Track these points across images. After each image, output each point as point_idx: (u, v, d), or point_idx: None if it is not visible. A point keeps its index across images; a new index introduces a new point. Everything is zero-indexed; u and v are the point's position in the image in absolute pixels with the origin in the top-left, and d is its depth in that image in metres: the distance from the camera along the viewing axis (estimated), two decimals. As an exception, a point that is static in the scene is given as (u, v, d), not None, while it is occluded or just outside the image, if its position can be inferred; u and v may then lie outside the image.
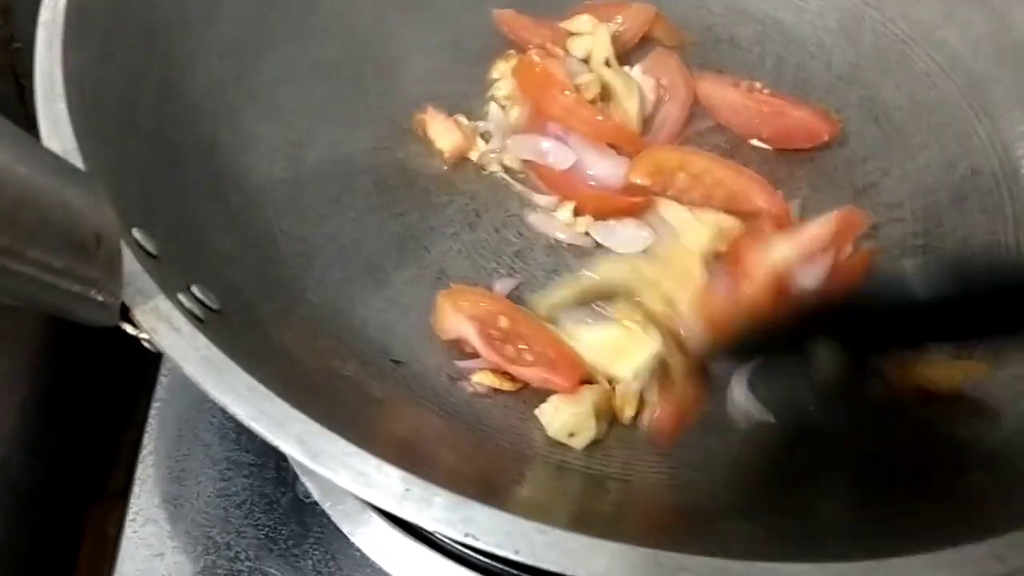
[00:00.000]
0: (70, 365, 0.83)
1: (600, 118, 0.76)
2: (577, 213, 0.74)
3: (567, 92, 0.76)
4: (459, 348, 0.67)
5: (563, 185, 0.75)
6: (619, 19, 0.83)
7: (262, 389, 0.46)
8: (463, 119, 0.78)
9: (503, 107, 0.80)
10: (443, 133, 0.76)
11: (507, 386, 0.64)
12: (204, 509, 0.70)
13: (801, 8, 0.87)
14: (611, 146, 0.76)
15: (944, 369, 0.64)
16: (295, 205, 0.71)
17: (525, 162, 0.76)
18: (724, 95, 0.81)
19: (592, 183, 0.75)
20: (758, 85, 0.81)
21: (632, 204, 0.73)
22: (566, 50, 0.82)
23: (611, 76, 0.79)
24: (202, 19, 0.71)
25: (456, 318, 0.67)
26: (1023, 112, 0.79)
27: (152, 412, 0.73)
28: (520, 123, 0.78)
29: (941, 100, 0.82)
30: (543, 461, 0.61)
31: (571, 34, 0.83)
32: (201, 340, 0.47)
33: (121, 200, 0.54)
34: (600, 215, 0.73)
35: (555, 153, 0.75)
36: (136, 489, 0.71)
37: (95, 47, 0.61)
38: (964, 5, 0.83)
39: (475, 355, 0.66)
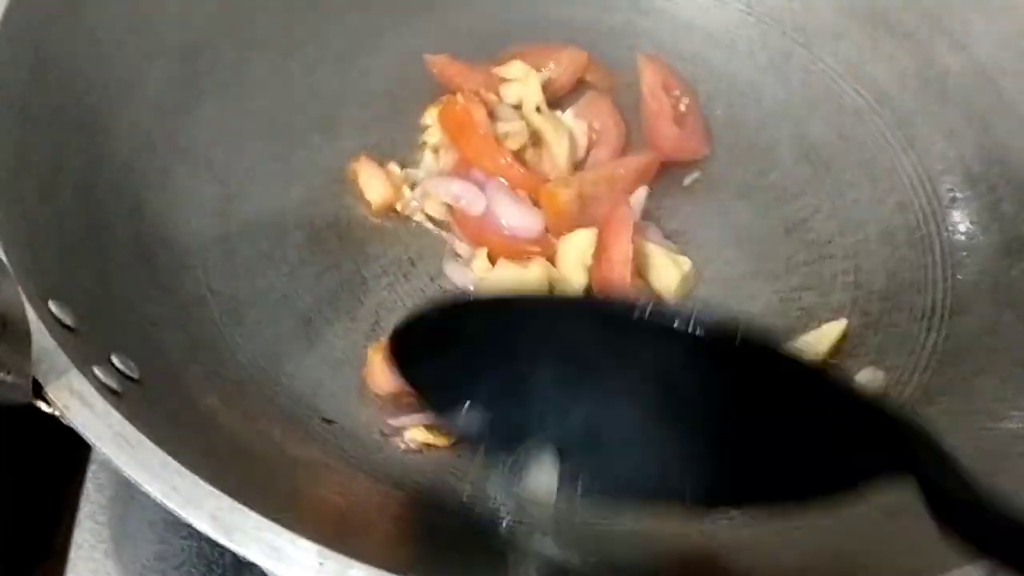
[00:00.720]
0: (13, 418, 0.82)
1: (506, 161, 0.76)
2: (492, 261, 0.74)
3: (482, 134, 0.77)
4: (394, 402, 0.67)
5: (476, 232, 0.75)
6: (552, 65, 0.84)
7: (174, 465, 0.46)
8: (396, 168, 0.78)
9: (435, 153, 0.80)
10: (372, 183, 0.76)
11: (440, 441, 0.64)
12: (142, 573, 0.69)
13: (731, 47, 0.88)
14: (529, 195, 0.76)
15: None
16: (226, 263, 0.71)
17: (448, 209, 0.76)
18: (650, 78, 0.83)
19: (505, 231, 0.75)
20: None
21: (539, 252, 0.74)
22: (499, 96, 0.82)
23: (541, 122, 0.79)
24: (128, 78, 0.71)
25: (390, 372, 0.67)
26: (949, 146, 0.80)
27: (88, 475, 0.72)
28: (447, 169, 0.78)
29: (869, 136, 0.83)
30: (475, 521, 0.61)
31: (503, 80, 0.83)
32: (114, 416, 0.47)
33: (39, 271, 0.54)
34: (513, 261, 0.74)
35: (467, 197, 0.75)
36: (72, 555, 0.70)
37: (16, 115, 0.61)
38: (889, 41, 0.84)
39: (412, 407, 0.66)
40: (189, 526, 0.70)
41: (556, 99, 0.84)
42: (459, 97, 0.79)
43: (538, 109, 0.80)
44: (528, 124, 0.79)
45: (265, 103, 0.79)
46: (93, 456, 0.73)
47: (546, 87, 0.83)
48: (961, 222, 0.77)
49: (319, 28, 0.83)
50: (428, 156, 0.80)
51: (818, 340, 0.71)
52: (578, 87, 0.86)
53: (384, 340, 0.67)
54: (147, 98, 0.72)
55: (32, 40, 0.63)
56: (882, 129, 0.83)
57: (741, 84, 0.87)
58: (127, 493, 0.72)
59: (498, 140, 0.77)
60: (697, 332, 0.50)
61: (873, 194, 0.80)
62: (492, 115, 0.79)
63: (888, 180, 0.81)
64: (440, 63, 0.84)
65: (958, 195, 0.78)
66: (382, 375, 0.66)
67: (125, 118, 0.71)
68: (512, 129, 0.78)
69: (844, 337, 0.72)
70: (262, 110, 0.79)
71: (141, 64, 0.72)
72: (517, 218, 0.75)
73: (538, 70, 0.83)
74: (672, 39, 0.89)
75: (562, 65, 0.85)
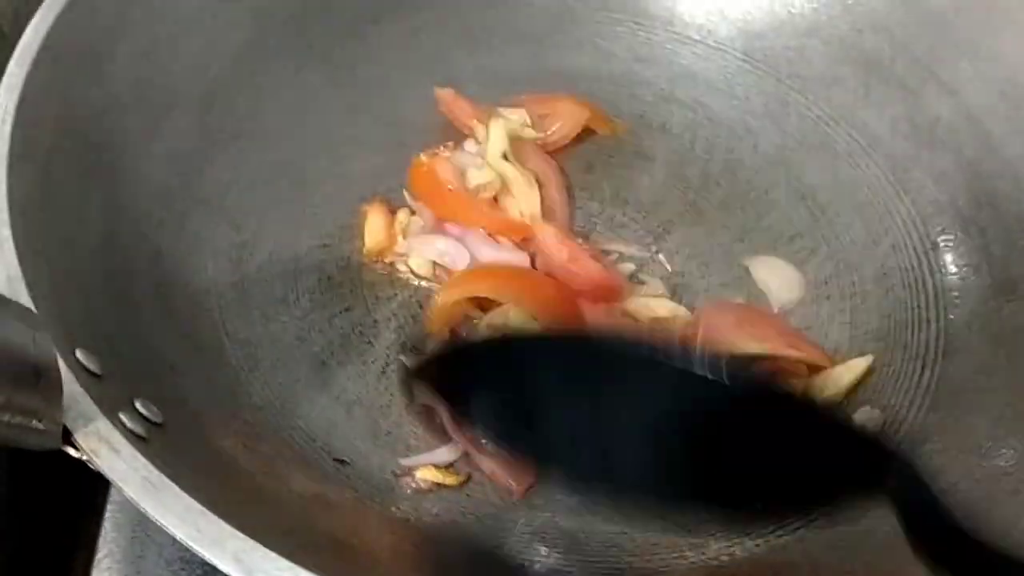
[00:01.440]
0: (26, 464, 0.83)
1: (481, 211, 0.79)
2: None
3: (452, 189, 0.79)
4: (425, 420, 0.69)
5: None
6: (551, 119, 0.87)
7: (198, 508, 0.48)
8: (404, 216, 0.80)
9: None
10: (372, 229, 0.79)
11: (450, 480, 0.66)
12: (159, 610, 0.71)
13: (728, 93, 0.91)
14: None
15: None
16: (241, 307, 0.73)
17: (433, 265, 0.79)
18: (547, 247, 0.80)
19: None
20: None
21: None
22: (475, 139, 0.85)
23: (507, 169, 0.81)
24: (146, 131, 0.74)
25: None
26: (940, 190, 0.82)
27: (107, 515, 0.74)
28: (429, 225, 0.80)
29: (863, 179, 0.86)
30: (487, 557, 0.63)
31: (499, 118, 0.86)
32: (140, 461, 0.49)
33: (65, 321, 0.56)
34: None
35: (451, 254, 0.78)
36: (91, 593, 0.72)
37: (39, 169, 0.63)
38: (881, 87, 0.87)
39: (439, 430, 0.68)
40: (205, 565, 0.72)
41: (557, 149, 0.87)
42: (423, 157, 0.81)
43: (505, 157, 0.82)
44: (496, 172, 0.81)
45: (278, 152, 0.82)
46: (111, 497, 0.75)
47: (546, 139, 0.86)
48: (952, 263, 0.80)
49: (331, 78, 0.86)
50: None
51: (841, 375, 0.73)
52: (582, 137, 0.88)
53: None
54: (164, 149, 0.75)
55: (56, 98, 0.65)
56: (875, 173, 0.86)
57: (739, 130, 0.90)
58: (144, 533, 0.74)
59: (468, 192, 0.80)
60: (704, 374, 0.53)
61: (868, 236, 0.82)
62: (461, 170, 0.82)
63: (882, 223, 0.83)
64: (446, 97, 0.88)
65: (949, 237, 0.81)
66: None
67: (143, 169, 0.73)
68: (485, 179, 0.80)
69: (869, 373, 0.74)
70: (275, 158, 0.82)
71: (158, 117, 0.75)
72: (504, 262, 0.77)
73: (540, 118, 0.87)
74: (671, 86, 0.92)
75: (562, 119, 0.87)
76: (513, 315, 0.73)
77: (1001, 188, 0.79)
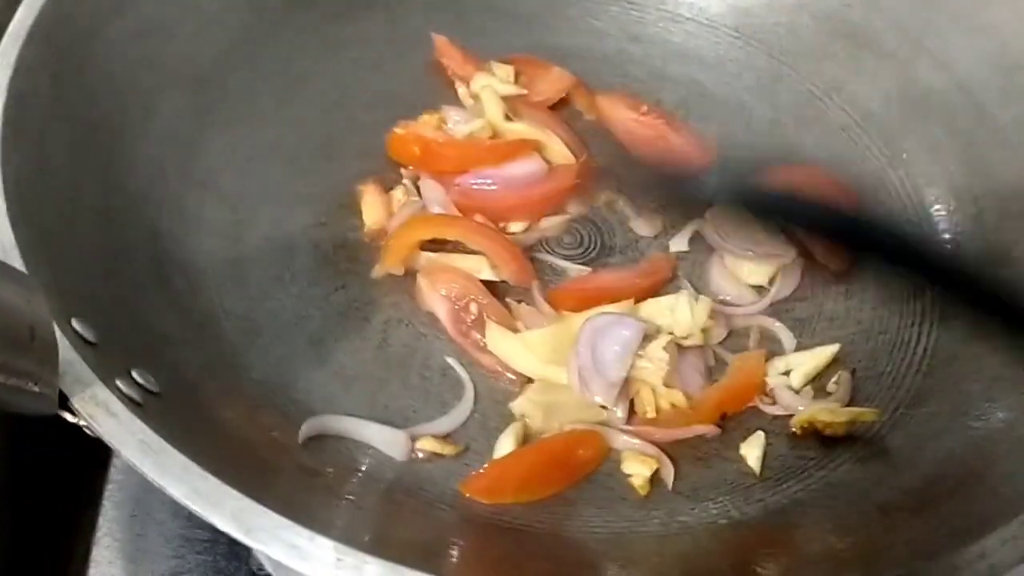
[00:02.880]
0: (25, 445, 0.84)
1: (483, 144, 0.82)
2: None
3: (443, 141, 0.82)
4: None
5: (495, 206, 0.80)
6: (536, 84, 0.89)
7: (196, 469, 0.48)
8: (399, 195, 0.80)
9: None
10: (370, 208, 0.79)
11: (448, 450, 0.66)
12: (159, 587, 0.71)
13: (721, 70, 0.92)
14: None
15: (836, 414, 0.67)
16: (238, 285, 0.73)
17: None
18: (618, 115, 0.86)
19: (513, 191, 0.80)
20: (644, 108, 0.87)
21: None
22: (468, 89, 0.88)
23: (517, 127, 0.83)
24: (142, 110, 0.74)
25: (432, 296, 0.73)
26: (933, 160, 0.83)
27: (106, 493, 0.74)
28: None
29: (857, 152, 0.86)
30: (483, 523, 0.63)
31: (489, 72, 0.88)
32: (137, 425, 0.49)
33: (61, 291, 0.57)
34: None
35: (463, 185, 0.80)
36: (92, 571, 0.72)
37: (35, 144, 0.63)
38: (871, 60, 0.88)
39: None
40: (205, 541, 0.73)
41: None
42: (398, 129, 0.82)
43: (507, 117, 0.84)
44: (500, 132, 0.83)
45: (272, 132, 0.82)
46: (111, 475, 0.75)
47: (529, 97, 0.87)
48: (947, 232, 0.80)
49: (323, 59, 0.87)
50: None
51: (806, 361, 0.73)
52: (560, 106, 0.89)
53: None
54: (159, 129, 0.75)
55: (48, 74, 0.66)
56: (868, 145, 0.86)
57: (731, 106, 0.90)
58: (144, 511, 0.74)
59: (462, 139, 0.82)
60: None
61: (862, 207, 0.82)
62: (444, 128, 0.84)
63: (876, 194, 0.83)
64: (442, 44, 0.90)
65: (943, 207, 0.81)
66: (427, 297, 0.74)
67: (139, 149, 0.73)
68: (474, 128, 0.82)
69: (835, 360, 0.74)
70: (270, 138, 0.82)
71: (153, 97, 0.76)
72: (519, 168, 0.80)
73: (529, 79, 0.89)
74: (663, 64, 0.92)
75: (547, 83, 0.88)
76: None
77: (994, 156, 0.79)
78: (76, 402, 0.50)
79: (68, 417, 0.50)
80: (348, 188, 0.81)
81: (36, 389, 0.47)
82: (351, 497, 0.61)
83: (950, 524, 0.56)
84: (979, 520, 0.53)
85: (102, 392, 0.50)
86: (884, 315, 0.76)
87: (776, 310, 0.77)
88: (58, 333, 0.50)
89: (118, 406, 0.50)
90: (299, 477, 0.61)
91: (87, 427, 0.50)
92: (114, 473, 0.76)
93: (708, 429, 0.68)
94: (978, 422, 0.65)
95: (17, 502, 0.77)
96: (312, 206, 0.80)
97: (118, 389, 0.52)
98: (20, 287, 0.47)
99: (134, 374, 0.56)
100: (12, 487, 0.79)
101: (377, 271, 0.76)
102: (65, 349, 0.51)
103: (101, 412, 0.50)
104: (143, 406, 0.52)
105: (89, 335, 0.54)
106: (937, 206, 0.81)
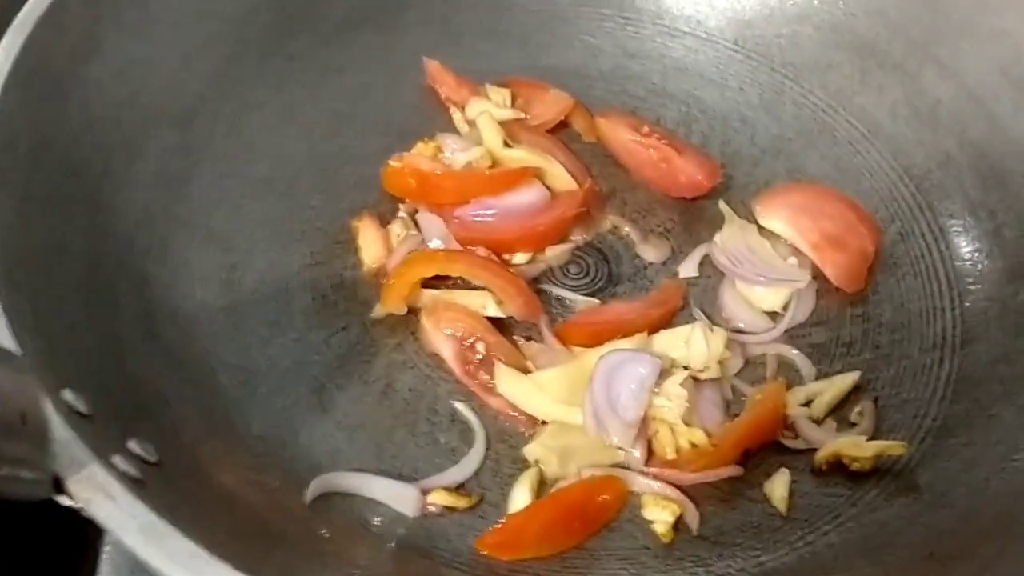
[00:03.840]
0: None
1: (482, 174, 0.79)
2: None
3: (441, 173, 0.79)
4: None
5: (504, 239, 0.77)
6: (534, 107, 0.86)
7: (204, 555, 0.45)
8: (397, 229, 0.77)
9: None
10: (368, 244, 0.77)
11: (461, 503, 0.64)
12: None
13: (722, 85, 0.89)
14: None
15: (862, 448, 0.65)
16: (233, 332, 0.70)
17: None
18: (618, 136, 0.83)
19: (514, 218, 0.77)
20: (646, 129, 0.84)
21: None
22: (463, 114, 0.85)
23: (517, 154, 0.80)
24: (126, 152, 0.71)
25: (437, 336, 0.70)
26: (945, 173, 0.81)
27: (103, 557, 0.71)
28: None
29: (865, 166, 0.84)
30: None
31: (483, 96, 0.86)
32: (139, 507, 0.46)
33: (50, 359, 0.54)
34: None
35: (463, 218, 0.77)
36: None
37: (17, 197, 0.60)
38: (877, 71, 0.85)
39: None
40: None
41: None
42: (393, 162, 0.79)
43: (507, 144, 0.81)
44: (499, 160, 0.80)
45: (263, 166, 0.79)
46: (107, 537, 0.72)
47: (527, 121, 0.84)
48: (964, 249, 0.78)
49: (314, 87, 0.84)
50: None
51: (826, 390, 0.71)
52: (558, 129, 0.86)
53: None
54: (145, 170, 0.72)
55: (29, 121, 0.63)
56: (877, 159, 0.84)
57: (734, 121, 0.87)
58: (143, 573, 0.71)
59: (460, 170, 0.79)
60: None
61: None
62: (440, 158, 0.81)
63: (887, 209, 0.81)
64: (434, 69, 0.87)
65: (958, 222, 0.79)
66: (431, 338, 0.72)
67: (124, 192, 0.70)
68: (472, 157, 0.79)
69: (856, 388, 0.71)
70: (261, 174, 0.79)
71: (138, 136, 0.72)
72: (520, 197, 0.78)
73: (525, 101, 0.86)
74: (662, 80, 0.90)
75: (545, 106, 0.86)
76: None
77: (1010, 168, 0.77)
78: (72, 485, 0.47)
79: (64, 501, 0.47)
80: (343, 222, 0.78)
81: (30, 476, 0.45)
82: (363, 564, 0.58)
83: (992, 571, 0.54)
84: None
85: (98, 472, 0.47)
86: (903, 339, 0.74)
87: (792, 336, 0.75)
88: (50, 412, 0.47)
89: (117, 487, 0.47)
90: (306, 544, 0.58)
91: (83, 511, 0.47)
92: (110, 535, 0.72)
93: (732, 471, 0.65)
94: (1012, 453, 0.63)
95: (12, 565, 0.74)
96: (307, 244, 0.77)
97: (115, 467, 0.48)
98: (10, 370, 0.44)
99: (131, 445, 0.53)
100: (6, 549, 0.76)
101: (378, 311, 0.73)
102: (58, 427, 0.48)
103: (99, 495, 0.47)
104: (143, 482, 0.49)
105: (81, 406, 0.51)
106: (952, 221, 0.79)
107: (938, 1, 0.81)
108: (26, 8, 0.65)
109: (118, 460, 0.49)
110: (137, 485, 0.49)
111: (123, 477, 0.48)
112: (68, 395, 0.51)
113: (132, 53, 0.72)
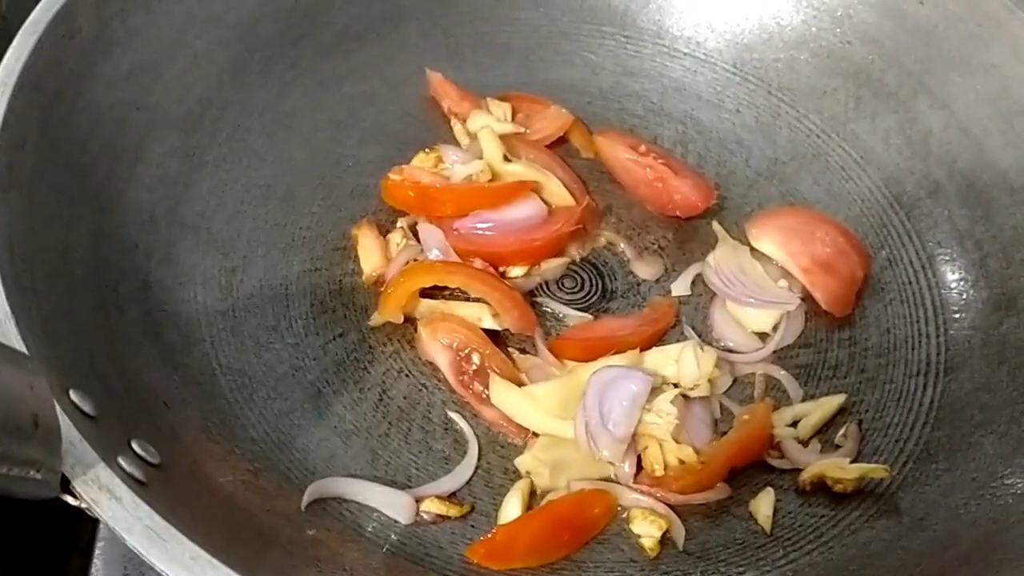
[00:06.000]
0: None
1: (482, 187, 0.80)
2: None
3: (440, 187, 0.79)
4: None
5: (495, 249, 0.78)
6: (534, 122, 0.87)
7: (205, 557, 0.46)
8: (396, 238, 0.78)
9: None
10: (367, 253, 0.77)
11: (453, 512, 0.65)
12: (152, 649, 0.69)
13: (719, 107, 0.91)
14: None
15: (846, 470, 0.66)
16: (233, 336, 0.71)
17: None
18: (616, 154, 0.85)
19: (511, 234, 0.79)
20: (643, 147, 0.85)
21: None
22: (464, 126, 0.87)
23: (516, 169, 0.81)
24: (131, 153, 0.72)
25: (433, 346, 0.71)
26: (935, 203, 0.82)
27: (97, 551, 0.72)
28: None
29: (857, 192, 0.85)
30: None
31: (484, 110, 0.87)
32: (143, 509, 0.47)
33: (57, 360, 0.55)
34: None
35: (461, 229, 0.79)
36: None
37: (25, 199, 0.61)
38: (872, 99, 0.87)
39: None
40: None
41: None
42: (392, 176, 0.80)
43: (506, 158, 0.82)
44: (498, 174, 0.81)
45: (264, 172, 0.80)
46: (101, 533, 0.73)
47: (527, 136, 0.86)
48: (950, 277, 0.79)
49: (317, 96, 0.85)
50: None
51: (812, 411, 0.72)
52: (557, 144, 0.87)
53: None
54: (149, 173, 0.73)
55: (38, 122, 0.63)
56: (869, 186, 0.85)
57: (730, 143, 0.89)
58: (136, 569, 0.71)
59: (460, 183, 0.80)
60: None
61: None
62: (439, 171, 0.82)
63: (877, 236, 0.83)
64: (436, 81, 0.88)
65: (946, 251, 0.80)
66: (427, 347, 0.73)
67: (129, 195, 0.71)
68: (473, 171, 0.80)
69: (841, 411, 0.73)
70: (262, 179, 0.80)
71: (142, 140, 0.73)
72: (518, 211, 0.79)
73: (526, 116, 0.87)
74: (660, 100, 0.91)
75: (545, 122, 0.87)
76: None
77: (996, 200, 0.79)
78: (78, 485, 0.48)
79: (70, 500, 0.48)
80: (343, 229, 0.79)
81: (38, 476, 0.45)
82: (355, 569, 0.59)
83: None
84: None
85: (104, 474, 0.48)
86: (889, 364, 0.76)
87: (780, 357, 0.76)
88: (59, 413, 0.48)
89: (122, 489, 0.48)
90: (300, 548, 0.59)
91: (89, 511, 0.48)
92: (104, 530, 0.73)
93: (720, 492, 0.67)
94: (990, 481, 0.65)
95: (5, 562, 0.75)
96: (306, 250, 0.78)
97: (120, 468, 0.49)
98: (23, 372, 0.44)
99: (134, 446, 0.54)
100: (3, 530, 0.76)
101: (375, 319, 0.74)
102: (65, 428, 0.49)
103: (104, 496, 0.48)
104: (146, 484, 0.50)
105: (87, 407, 0.52)
106: (940, 250, 0.81)
107: (931, 33, 0.83)
108: (37, 11, 0.66)
109: (123, 461, 0.50)
110: (141, 487, 0.50)
111: (128, 478, 0.49)
112: (74, 395, 0.52)
113: (139, 55, 0.73)
